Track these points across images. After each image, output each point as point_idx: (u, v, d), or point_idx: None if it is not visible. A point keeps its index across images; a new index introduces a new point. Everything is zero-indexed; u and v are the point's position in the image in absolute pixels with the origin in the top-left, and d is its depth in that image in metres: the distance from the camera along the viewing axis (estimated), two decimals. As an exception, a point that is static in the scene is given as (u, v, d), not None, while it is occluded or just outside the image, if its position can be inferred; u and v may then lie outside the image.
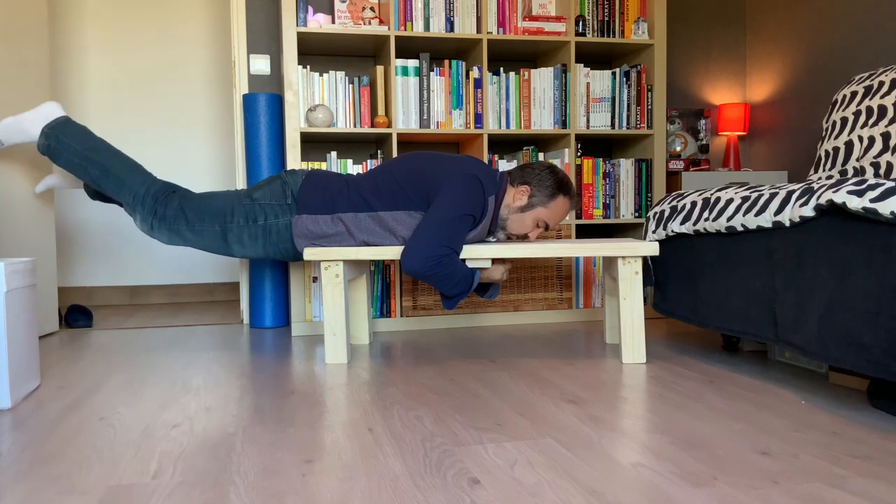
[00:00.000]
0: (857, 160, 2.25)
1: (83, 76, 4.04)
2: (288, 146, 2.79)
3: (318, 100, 2.90)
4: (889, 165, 2.12)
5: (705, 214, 2.11)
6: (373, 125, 2.97)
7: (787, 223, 1.76)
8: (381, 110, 2.94)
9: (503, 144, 3.37)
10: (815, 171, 2.43)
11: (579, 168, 3.10)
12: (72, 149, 2.34)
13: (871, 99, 2.27)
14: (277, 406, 1.73)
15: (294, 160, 2.79)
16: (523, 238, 2.39)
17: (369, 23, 2.88)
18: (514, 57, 3.31)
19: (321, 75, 2.89)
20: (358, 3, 2.88)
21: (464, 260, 2.22)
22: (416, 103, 2.92)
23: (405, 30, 2.89)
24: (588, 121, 3.11)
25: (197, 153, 4.20)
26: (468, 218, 2.17)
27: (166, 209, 2.29)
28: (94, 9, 4.04)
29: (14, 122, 2.40)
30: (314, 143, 3.21)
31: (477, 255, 2.20)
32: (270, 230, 2.28)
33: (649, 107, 3.15)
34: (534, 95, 3.04)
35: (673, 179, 3.35)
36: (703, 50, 3.77)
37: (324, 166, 2.88)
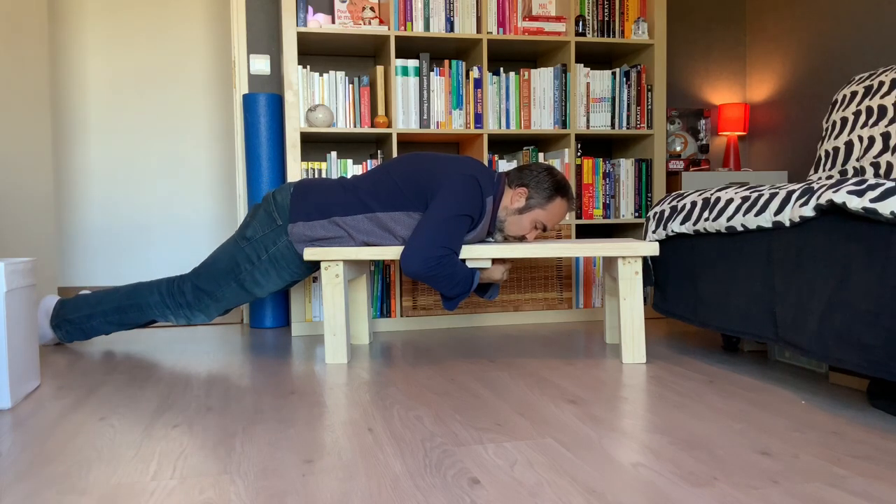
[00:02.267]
0: (857, 160, 2.25)
1: (83, 76, 4.04)
2: (288, 146, 2.79)
3: (318, 100, 2.89)
4: (889, 165, 2.12)
5: (705, 214, 2.11)
6: (373, 125, 2.97)
7: (787, 223, 1.76)
8: (381, 110, 2.94)
9: (503, 144, 3.37)
10: (815, 171, 2.43)
11: (579, 168, 3.10)
12: (83, 318, 2.44)
13: (871, 99, 2.27)
14: (277, 406, 1.73)
15: (294, 160, 2.79)
16: (521, 239, 2.39)
17: (369, 23, 2.88)
18: (514, 57, 3.31)
19: (321, 75, 2.89)
20: (358, 3, 2.88)
21: (464, 260, 2.22)
22: (416, 103, 2.92)
23: (405, 30, 2.89)
24: (588, 121, 3.11)
25: (197, 153, 4.20)
26: (466, 218, 2.17)
27: (185, 296, 2.36)
28: (94, 9, 4.04)
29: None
30: (314, 143, 3.21)
31: (477, 255, 2.20)
32: (276, 258, 2.30)
33: (649, 107, 3.15)
34: (534, 95, 3.04)
35: (673, 179, 3.35)
36: (703, 50, 3.77)
37: (324, 166, 2.88)
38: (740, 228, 1.96)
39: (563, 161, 3.05)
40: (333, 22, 2.89)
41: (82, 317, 2.44)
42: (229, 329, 3.03)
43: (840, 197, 1.55)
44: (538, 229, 2.33)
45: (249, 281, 2.33)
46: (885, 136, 2.16)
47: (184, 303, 2.36)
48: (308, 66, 3.00)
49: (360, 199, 2.27)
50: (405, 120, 2.91)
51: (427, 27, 2.92)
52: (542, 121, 3.05)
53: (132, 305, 2.40)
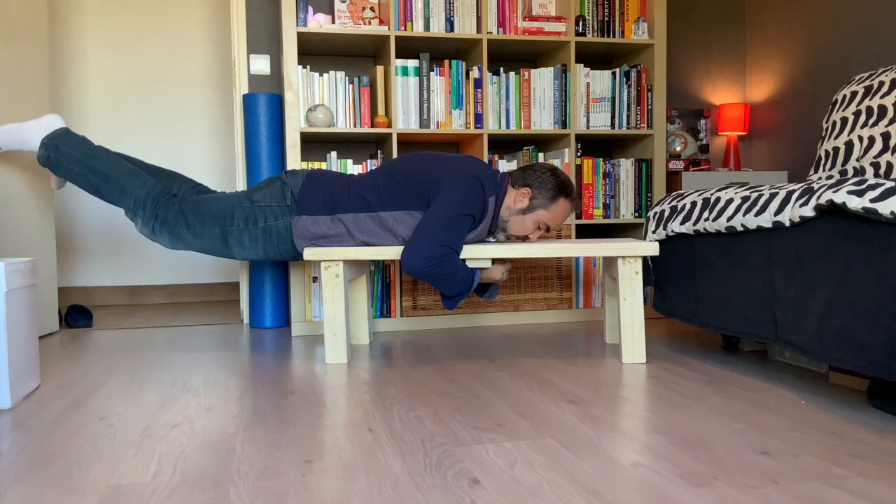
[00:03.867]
0: (857, 160, 2.25)
1: (83, 76, 4.04)
2: (288, 146, 2.79)
3: (318, 100, 2.89)
4: (889, 165, 2.12)
5: (705, 214, 2.11)
6: (373, 125, 2.97)
7: (787, 223, 1.76)
8: (381, 110, 2.94)
9: (503, 144, 3.37)
10: (815, 171, 2.43)
11: (579, 168, 3.10)
12: (71, 158, 2.36)
13: (871, 99, 2.27)
14: (277, 406, 1.73)
15: (294, 160, 2.79)
16: (524, 239, 2.39)
17: (369, 23, 2.88)
18: (514, 57, 3.31)
19: (321, 75, 2.89)
20: (358, 3, 2.88)
21: (464, 260, 2.22)
22: (416, 103, 2.92)
23: (405, 30, 2.89)
24: (588, 121, 3.11)
25: (197, 153, 4.20)
26: (468, 218, 2.17)
27: (167, 213, 2.30)
28: (94, 9, 4.04)
29: (14, 130, 2.42)
30: (314, 143, 3.21)
31: (477, 255, 2.20)
32: (270, 232, 2.29)
33: (649, 107, 3.14)
34: (534, 95, 3.04)
35: (673, 179, 3.35)
36: (703, 50, 3.76)
37: (324, 166, 2.88)
38: (740, 228, 1.96)
39: (563, 161, 3.05)
40: (333, 22, 2.89)
41: (72, 157, 2.36)
42: (229, 329, 3.03)
43: (840, 197, 1.55)
44: (541, 230, 2.34)
45: (234, 238, 2.30)
46: (885, 136, 2.16)
47: (161, 217, 2.30)
48: (308, 66, 3.00)
49: (364, 198, 2.27)
50: (405, 120, 2.91)
51: (427, 27, 2.92)
52: (542, 121, 3.05)
53: (118, 183, 2.33)
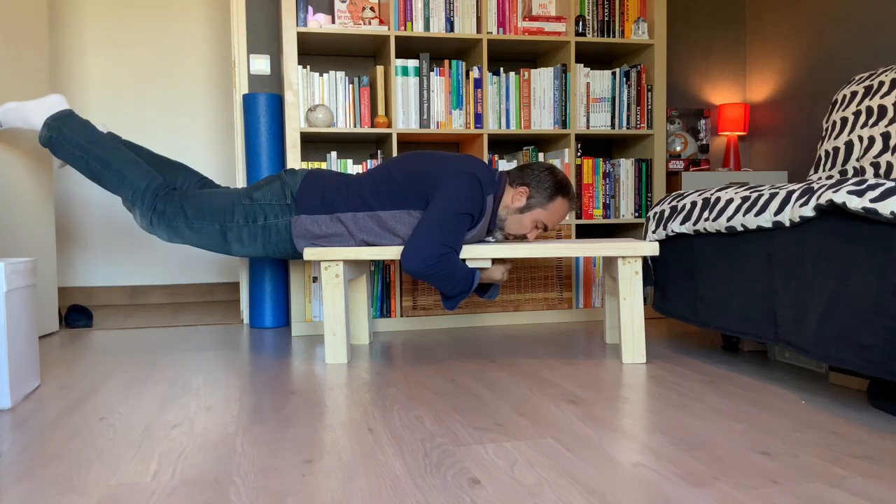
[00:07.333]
0: (857, 160, 2.25)
1: (83, 75, 4.04)
2: (288, 146, 2.79)
3: (318, 100, 2.89)
4: (889, 165, 2.12)
5: (705, 214, 2.11)
6: (373, 125, 2.97)
7: (787, 223, 1.76)
8: (381, 110, 2.94)
9: (503, 144, 3.37)
10: (815, 171, 2.43)
11: (579, 168, 3.10)
12: (74, 141, 2.34)
13: (871, 99, 2.27)
14: (277, 406, 1.73)
15: (294, 160, 2.79)
16: (521, 238, 2.39)
17: (369, 23, 2.88)
18: (514, 57, 3.31)
19: (321, 75, 2.89)
20: (358, 3, 2.88)
21: (464, 260, 2.22)
22: (416, 103, 2.92)
23: (405, 30, 2.89)
24: (588, 121, 3.11)
25: (197, 153, 4.20)
26: (466, 217, 2.17)
27: (166, 205, 2.29)
28: (94, 8, 4.04)
29: (17, 108, 2.41)
30: (314, 143, 3.21)
31: (477, 255, 2.20)
32: (270, 230, 2.28)
33: (649, 107, 3.14)
34: (534, 95, 3.04)
35: (673, 179, 3.35)
36: (703, 50, 3.76)
37: (324, 166, 2.88)
38: (740, 228, 1.96)
39: (563, 161, 3.05)
40: (333, 22, 2.89)
41: (74, 141, 2.34)
42: (229, 329, 3.03)
43: (840, 197, 1.55)
44: (539, 229, 2.34)
45: (233, 234, 2.29)
46: (885, 136, 2.16)
47: (160, 209, 2.29)
48: (308, 66, 3.00)
49: (362, 197, 2.27)
50: (405, 120, 2.91)
51: (427, 27, 2.92)
52: (542, 121, 3.05)
53: (118, 172, 2.32)
